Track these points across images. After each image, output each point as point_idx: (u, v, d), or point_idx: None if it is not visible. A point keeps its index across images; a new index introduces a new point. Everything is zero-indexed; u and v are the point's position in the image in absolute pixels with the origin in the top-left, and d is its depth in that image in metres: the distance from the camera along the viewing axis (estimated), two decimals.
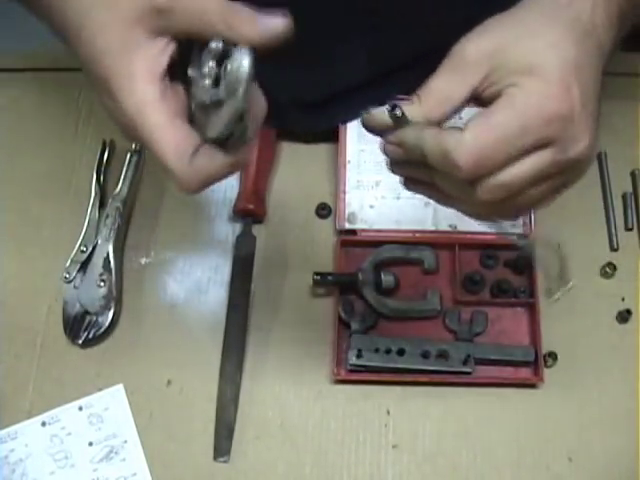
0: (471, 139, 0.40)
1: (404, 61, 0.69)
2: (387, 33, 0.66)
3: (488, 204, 0.43)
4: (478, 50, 0.43)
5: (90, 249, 0.71)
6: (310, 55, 0.69)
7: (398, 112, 0.43)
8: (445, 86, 0.44)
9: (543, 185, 0.43)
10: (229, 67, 0.38)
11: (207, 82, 0.40)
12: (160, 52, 0.41)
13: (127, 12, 0.40)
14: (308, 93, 0.73)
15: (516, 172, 0.41)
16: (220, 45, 0.39)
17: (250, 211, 0.72)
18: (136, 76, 0.40)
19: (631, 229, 0.73)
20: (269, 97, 0.76)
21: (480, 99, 0.44)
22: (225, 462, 0.65)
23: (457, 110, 0.44)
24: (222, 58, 0.40)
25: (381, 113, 0.44)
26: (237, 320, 0.69)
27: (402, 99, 0.44)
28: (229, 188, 0.76)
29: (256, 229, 0.74)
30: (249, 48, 0.39)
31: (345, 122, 0.74)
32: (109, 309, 0.69)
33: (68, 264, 0.71)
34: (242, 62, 0.38)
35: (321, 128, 0.75)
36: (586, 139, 0.42)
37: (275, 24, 0.40)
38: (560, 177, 0.44)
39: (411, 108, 0.44)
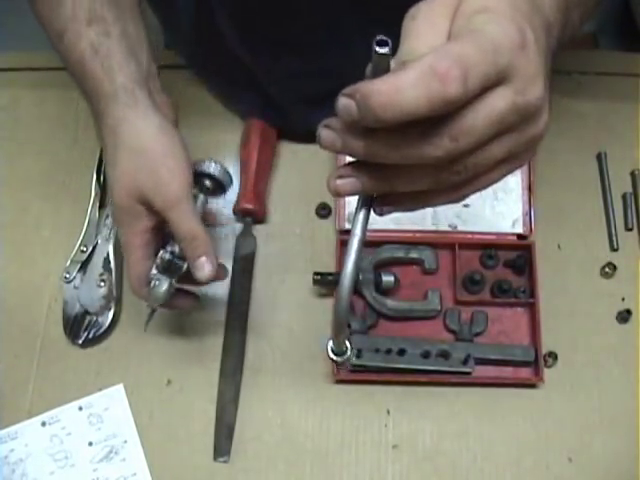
0: (453, 48, 0.36)
1: None
2: (386, 26, 0.67)
3: (449, 174, 0.40)
4: None
5: (90, 249, 0.71)
6: (307, 44, 0.69)
7: (386, 49, 0.36)
8: (432, 38, 0.39)
9: (504, 141, 0.40)
10: (154, 284, 0.59)
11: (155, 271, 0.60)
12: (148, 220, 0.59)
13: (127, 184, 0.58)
14: (307, 86, 0.73)
15: (482, 113, 0.38)
16: (167, 257, 0.59)
17: (250, 211, 0.72)
18: (134, 230, 0.59)
19: (631, 229, 0.73)
20: (269, 95, 0.76)
21: None
22: (225, 462, 0.65)
23: None
24: (167, 265, 0.59)
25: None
26: (237, 320, 0.69)
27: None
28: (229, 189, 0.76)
29: (256, 229, 0.74)
30: (171, 280, 0.59)
31: None
32: (109, 309, 0.69)
33: (68, 264, 0.71)
34: (162, 286, 0.59)
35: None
36: (540, 83, 0.39)
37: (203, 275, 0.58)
38: (519, 135, 0.40)
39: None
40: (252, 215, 0.73)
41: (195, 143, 0.67)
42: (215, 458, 0.65)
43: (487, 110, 0.38)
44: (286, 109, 0.75)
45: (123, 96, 0.57)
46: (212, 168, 0.61)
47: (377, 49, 0.36)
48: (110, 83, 0.57)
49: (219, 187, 0.62)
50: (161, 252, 0.59)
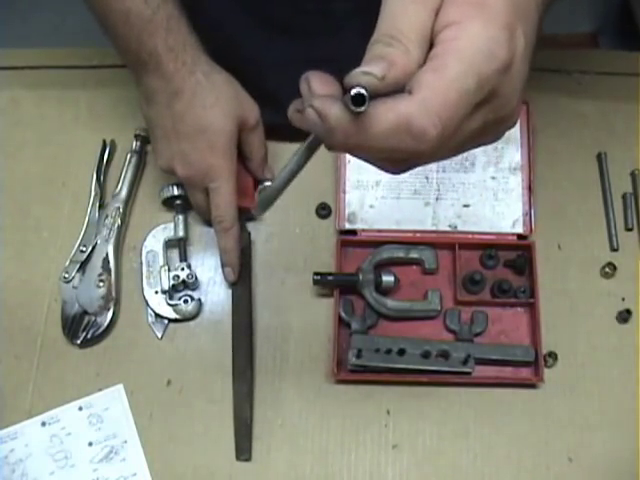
0: (432, 97, 0.35)
1: None
2: (377, 14, 0.66)
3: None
4: None
5: (89, 249, 0.71)
6: (299, 29, 0.69)
7: (362, 108, 0.34)
8: (419, 19, 0.37)
9: (478, 138, 0.41)
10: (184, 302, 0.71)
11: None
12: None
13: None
14: (301, 74, 0.73)
15: (467, 129, 0.38)
16: (183, 274, 0.71)
17: (241, 208, 0.71)
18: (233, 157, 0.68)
19: (631, 229, 0.73)
20: (264, 87, 0.76)
21: None
22: (247, 460, 0.64)
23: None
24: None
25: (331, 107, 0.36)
26: (241, 316, 0.69)
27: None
28: None
29: (257, 229, 0.74)
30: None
31: None
32: (108, 309, 0.69)
33: (67, 264, 0.71)
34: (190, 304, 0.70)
35: None
36: (517, 98, 0.39)
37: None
38: (492, 130, 0.41)
39: (399, 60, 0.36)
40: (243, 212, 0.71)
41: None
42: (237, 457, 0.65)
43: (473, 125, 0.38)
44: (280, 101, 0.75)
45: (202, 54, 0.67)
46: (176, 190, 0.72)
47: (353, 108, 0.34)
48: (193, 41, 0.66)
49: (188, 203, 0.72)
50: (174, 273, 0.70)
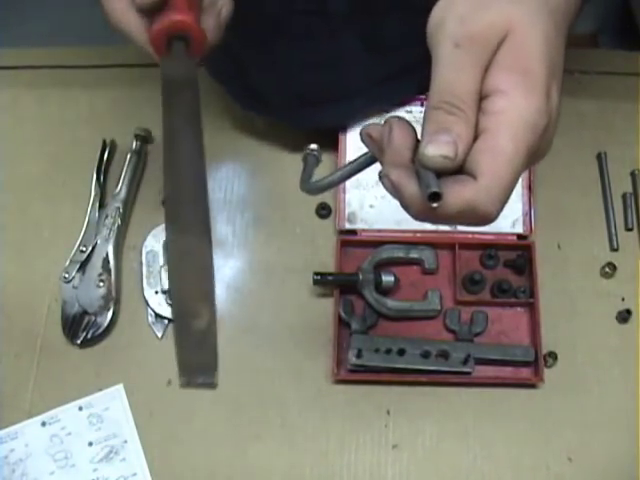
0: (494, 184, 0.39)
1: (407, 60, 0.68)
2: (372, 15, 0.65)
3: None
4: (490, 23, 0.40)
5: (89, 249, 0.71)
6: (296, 29, 0.68)
7: (437, 204, 0.39)
8: (473, 83, 0.40)
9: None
10: None
11: None
12: None
13: None
14: (297, 79, 0.72)
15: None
16: None
17: (182, 25, 0.49)
18: None
19: (631, 229, 0.73)
20: (259, 91, 0.74)
21: None
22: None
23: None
24: None
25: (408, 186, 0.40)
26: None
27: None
28: (228, 189, 0.76)
29: (256, 228, 0.74)
30: None
31: (346, 124, 0.74)
32: (108, 309, 0.69)
33: (67, 264, 0.71)
34: None
35: (318, 126, 0.73)
36: (552, 139, 0.43)
37: None
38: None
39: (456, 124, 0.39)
40: (185, 32, 0.50)
41: None
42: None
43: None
44: (276, 106, 0.74)
45: None
46: None
47: (429, 204, 0.38)
48: None
49: None
50: None
